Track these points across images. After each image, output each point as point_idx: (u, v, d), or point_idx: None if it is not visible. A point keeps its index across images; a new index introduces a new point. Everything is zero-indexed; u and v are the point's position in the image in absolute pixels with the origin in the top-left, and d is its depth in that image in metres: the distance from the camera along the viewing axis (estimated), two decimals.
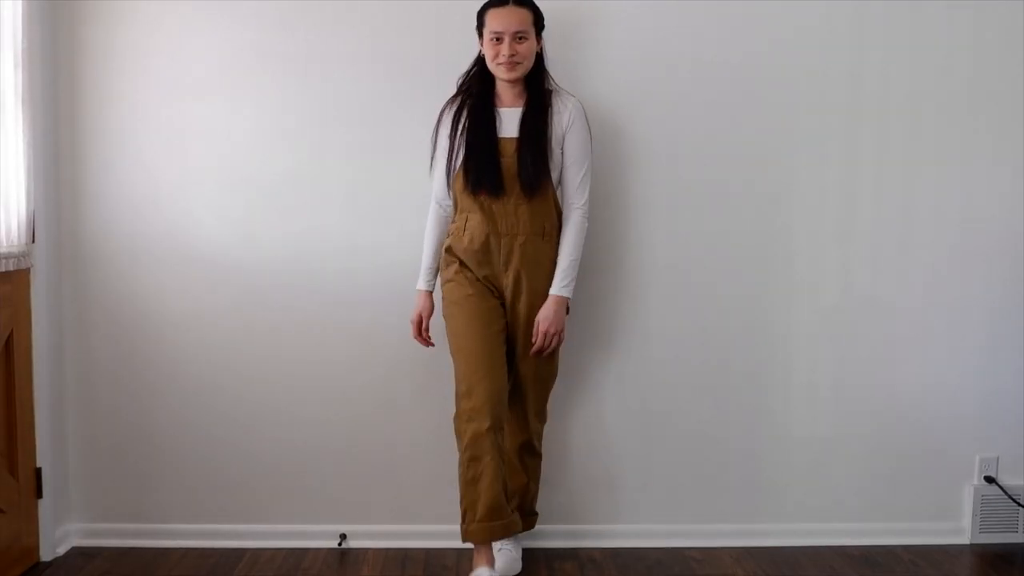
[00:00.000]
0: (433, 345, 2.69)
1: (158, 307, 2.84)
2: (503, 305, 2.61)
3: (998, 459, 2.95)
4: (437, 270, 2.68)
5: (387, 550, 2.87)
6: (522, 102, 2.57)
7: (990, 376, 2.94)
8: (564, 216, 2.61)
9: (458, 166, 2.57)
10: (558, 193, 2.62)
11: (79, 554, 2.83)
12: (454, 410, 2.58)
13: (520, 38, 2.50)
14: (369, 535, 2.90)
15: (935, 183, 2.89)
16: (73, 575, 2.69)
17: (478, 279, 2.59)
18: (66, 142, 2.80)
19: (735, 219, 2.87)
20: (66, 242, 2.83)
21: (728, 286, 2.89)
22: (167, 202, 2.82)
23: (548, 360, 2.65)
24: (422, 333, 2.70)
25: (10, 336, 2.61)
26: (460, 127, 2.58)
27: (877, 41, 2.84)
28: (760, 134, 2.85)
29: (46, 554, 2.77)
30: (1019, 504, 2.95)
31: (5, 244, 2.55)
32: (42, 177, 2.71)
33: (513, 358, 2.63)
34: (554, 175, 2.58)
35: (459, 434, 2.56)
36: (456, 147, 2.57)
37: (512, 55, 2.49)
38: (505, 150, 2.54)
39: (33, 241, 2.67)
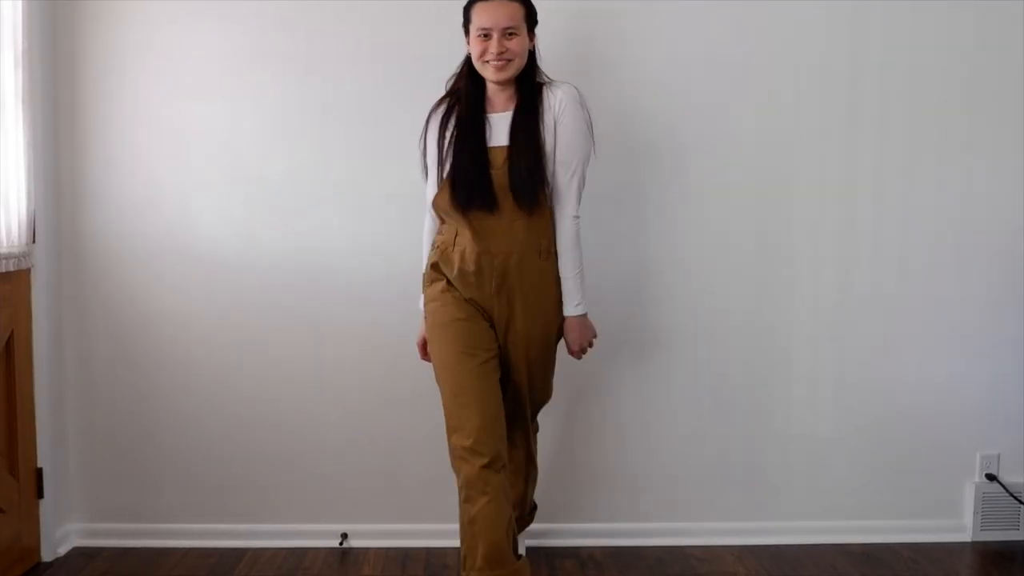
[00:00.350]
0: None
1: (158, 307, 2.85)
2: (493, 327, 2.41)
3: (999, 456, 2.95)
4: None
5: (388, 549, 2.87)
6: (513, 105, 2.37)
7: (991, 373, 2.94)
8: (556, 225, 2.39)
9: (445, 179, 2.38)
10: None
11: (80, 554, 2.83)
12: (447, 443, 2.38)
13: (510, 34, 2.29)
14: (370, 534, 2.90)
15: (935, 182, 2.89)
16: (74, 575, 2.69)
17: (466, 299, 2.39)
18: (66, 142, 2.81)
19: (734, 218, 2.87)
20: (66, 242, 2.83)
21: (728, 285, 2.89)
22: (167, 202, 2.83)
23: (545, 382, 2.55)
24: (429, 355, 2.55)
25: (11, 336, 2.61)
26: (448, 135, 2.38)
27: (877, 40, 2.85)
28: (759, 133, 2.86)
29: (47, 554, 2.77)
30: (1020, 501, 2.95)
31: (5, 244, 2.55)
32: (42, 177, 2.71)
33: (507, 383, 2.46)
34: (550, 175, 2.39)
35: (455, 471, 2.34)
36: (445, 157, 2.38)
37: (501, 52, 2.29)
38: (495, 160, 2.33)
39: (34, 241, 2.67)
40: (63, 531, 2.84)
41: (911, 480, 2.95)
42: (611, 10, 2.80)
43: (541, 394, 2.58)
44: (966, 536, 2.97)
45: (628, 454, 2.92)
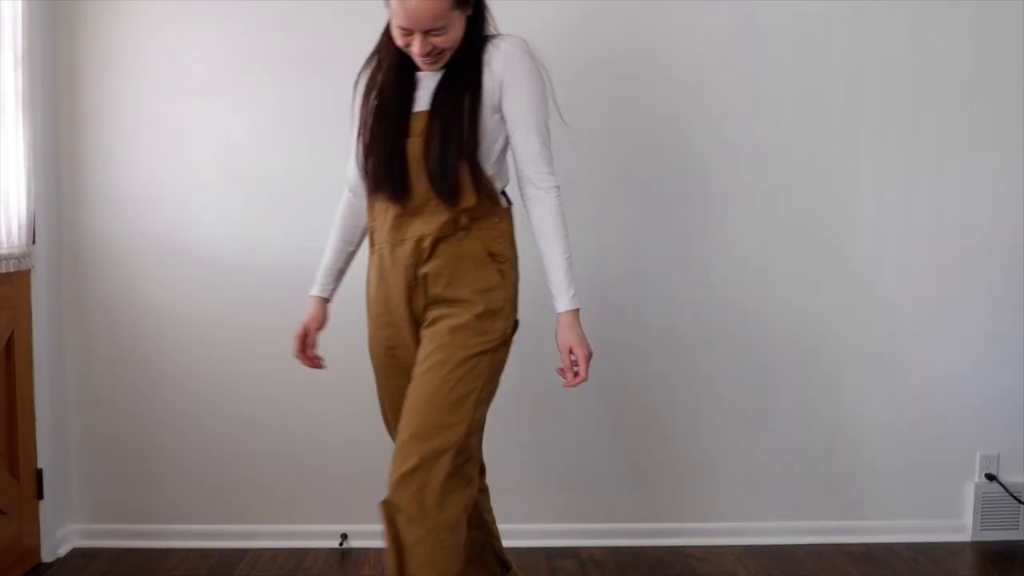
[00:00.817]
0: (322, 367, 2.24)
1: (158, 307, 2.84)
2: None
3: (999, 456, 2.96)
4: (338, 273, 2.18)
5: None
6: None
7: (991, 373, 2.94)
8: (529, 201, 1.94)
9: (360, 154, 1.96)
10: (496, 169, 1.95)
11: (80, 555, 2.82)
12: None
13: (436, 32, 1.84)
14: (370, 535, 2.90)
15: (935, 180, 2.89)
16: None
17: (391, 323, 2.00)
18: (66, 142, 2.80)
19: (735, 216, 2.87)
20: (66, 243, 2.83)
21: (727, 284, 2.89)
22: (167, 202, 2.82)
23: (441, 397, 1.86)
24: (305, 351, 2.18)
25: (11, 337, 2.61)
26: (372, 98, 1.96)
27: (877, 40, 2.85)
28: (760, 132, 2.86)
29: (47, 555, 2.77)
30: (1020, 501, 2.95)
31: (5, 245, 2.55)
32: (42, 178, 2.71)
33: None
34: (492, 148, 1.93)
35: None
36: (365, 126, 1.96)
37: (428, 52, 1.86)
38: (415, 128, 1.90)
39: (34, 242, 2.67)
40: (63, 532, 2.84)
41: (911, 480, 2.95)
42: (612, 10, 2.80)
43: (431, 407, 1.86)
44: (966, 536, 2.97)
45: (628, 454, 2.92)
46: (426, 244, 1.92)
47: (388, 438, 2.88)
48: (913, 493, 2.96)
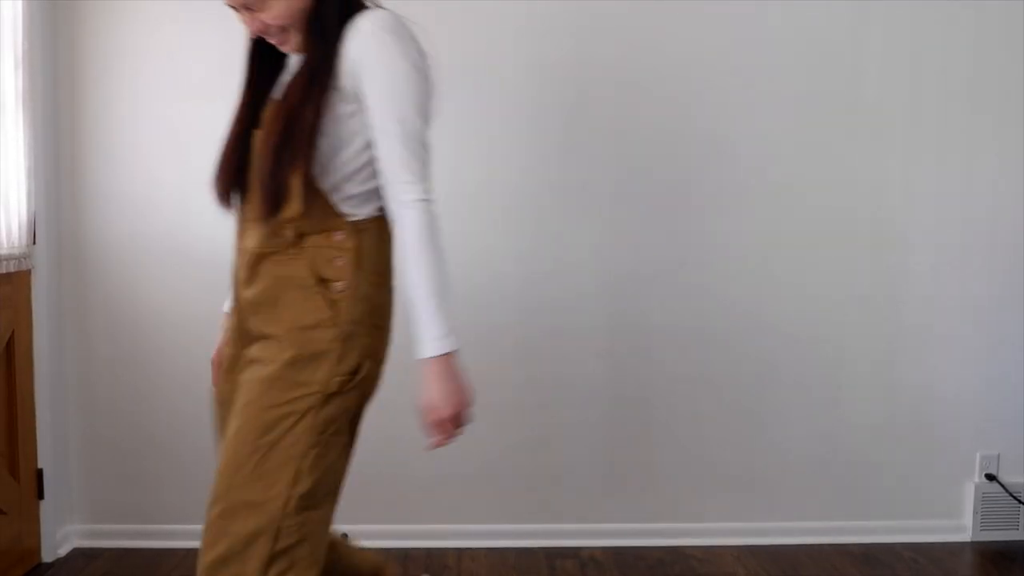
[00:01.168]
0: None
1: (159, 307, 2.84)
2: None
3: (999, 456, 2.96)
4: None
5: (387, 550, 2.87)
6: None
7: (991, 373, 2.94)
8: (393, 219, 1.55)
9: None
10: (351, 170, 1.56)
11: (80, 555, 2.83)
12: None
13: (256, 6, 1.55)
14: (369, 535, 2.89)
15: (935, 181, 2.89)
16: None
17: (234, 341, 1.69)
18: (66, 143, 2.80)
19: (735, 217, 2.88)
20: (67, 243, 2.83)
21: (728, 284, 2.89)
22: (167, 202, 2.82)
23: (244, 454, 1.51)
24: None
25: (11, 337, 2.61)
26: None
27: (877, 40, 2.85)
28: (759, 132, 2.86)
29: (47, 555, 2.77)
30: (1020, 501, 2.95)
31: (6, 246, 2.55)
32: (42, 178, 2.71)
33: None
34: (345, 145, 1.55)
35: None
36: None
37: (260, 30, 1.58)
38: (265, 118, 1.60)
39: (34, 243, 2.67)
40: (64, 532, 2.84)
41: (911, 480, 2.96)
42: (613, 10, 2.80)
43: (238, 479, 1.49)
44: (966, 536, 2.97)
45: (628, 455, 2.92)
46: (250, 261, 1.59)
47: (389, 436, 2.90)
48: (913, 493, 2.96)
